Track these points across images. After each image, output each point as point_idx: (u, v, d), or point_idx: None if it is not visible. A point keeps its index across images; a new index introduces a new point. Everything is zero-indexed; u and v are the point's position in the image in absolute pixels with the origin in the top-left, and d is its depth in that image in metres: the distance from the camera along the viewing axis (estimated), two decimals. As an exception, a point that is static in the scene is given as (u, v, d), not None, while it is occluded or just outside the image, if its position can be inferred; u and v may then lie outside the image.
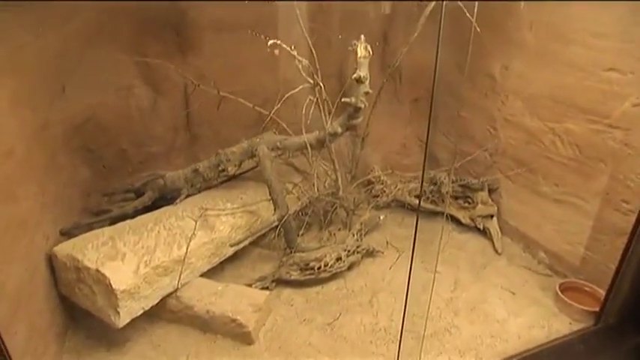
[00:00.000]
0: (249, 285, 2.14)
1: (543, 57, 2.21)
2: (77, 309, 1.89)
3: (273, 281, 2.22)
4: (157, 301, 1.89)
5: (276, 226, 2.25)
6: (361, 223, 2.51)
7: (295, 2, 2.21)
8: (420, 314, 1.87)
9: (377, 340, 1.94)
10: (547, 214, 2.33)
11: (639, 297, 1.81)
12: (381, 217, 2.70)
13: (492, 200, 2.64)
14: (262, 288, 2.15)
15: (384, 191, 2.82)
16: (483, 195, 2.63)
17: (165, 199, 2.41)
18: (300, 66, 2.13)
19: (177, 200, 2.30)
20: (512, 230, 2.57)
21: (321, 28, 2.62)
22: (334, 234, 2.61)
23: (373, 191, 2.88)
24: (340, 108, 2.36)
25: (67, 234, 2.04)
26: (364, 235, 2.52)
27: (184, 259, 1.94)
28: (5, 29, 1.64)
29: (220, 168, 2.37)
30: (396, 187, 2.82)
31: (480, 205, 2.62)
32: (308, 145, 2.31)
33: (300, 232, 2.49)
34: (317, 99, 2.27)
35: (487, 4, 2.18)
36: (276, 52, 2.21)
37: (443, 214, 2.59)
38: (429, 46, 2.28)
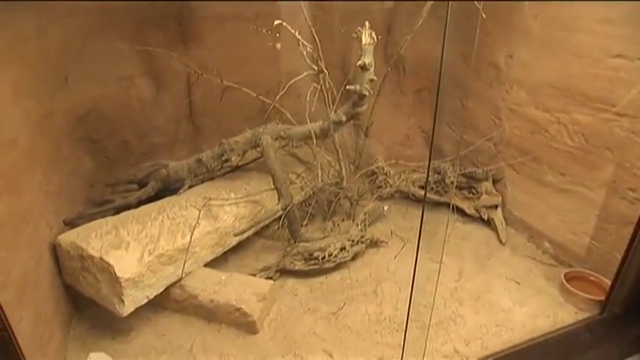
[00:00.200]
0: (253, 275, 2.14)
1: (549, 45, 2.19)
2: (82, 298, 1.90)
3: (277, 271, 2.22)
4: (161, 290, 1.89)
5: (280, 217, 2.24)
6: (365, 214, 2.50)
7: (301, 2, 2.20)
8: (424, 303, 1.86)
9: (382, 329, 1.93)
10: (552, 203, 2.32)
11: (646, 286, 1.81)
12: (385, 208, 2.69)
13: (497, 191, 2.63)
14: (266, 278, 2.15)
15: (388, 182, 2.81)
16: (488, 185, 2.62)
17: (168, 189, 2.40)
18: (304, 52, 2.11)
19: (181, 190, 2.29)
20: (517, 220, 2.56)
21: (324, 16, 2.60)
22: (338, 224, 2.60)
23: (377, 182, 2.87)
24: (344, 98, 2.35)
25: (70, 224, 2.04)
26: (368, 226, 2.51)
27: (188, 247, 1.94)
28: (8, 20, 1.63)
29: (224, 158, 2.37)
30: (399, 177, 2.81)
31: (484, 196, 2.61)
32: (313, 134, 2.29)
33: (304, 223, 2.48)
34: (321, 86, 2.25)
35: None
36: (278, 46, 2.19)
37: (447, 204, 2.58)
38: (432, 37, 2.28)
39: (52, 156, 2.00)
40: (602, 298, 1.92)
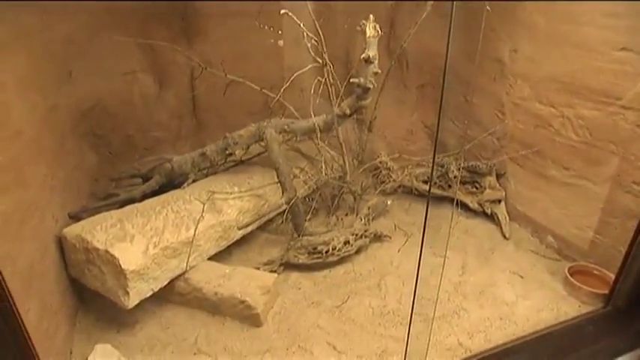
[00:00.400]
0: (257, 268, 2.14)
1: (553, 38, 2.18)
2: (87, 292, 1.91)
3: (280, 265, 2.22)
4: (165, 283, 1.90)
5: (284, 211, 2.25)
6: (369, 208, 2.50)
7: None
8: (428, 297, 1.86)
9: (385, 322, 1.94)
10: (555, 198, 2.31)
11: (650, 279, 1.80)
12: (388, 202, 2.70)
13: (500, 185, 2.63)
14: (270, 271, 2.15)
15: (391, 176, 2.81)
16: (491, 180, 2.62)
17: (172, 184, 2.41)
18: (308, 45, 2.10)
19: (185, 184, 2.30)
20: (520, 215, 2.56)
21: (327, 12, 2.60)
22: (342, 219, 2.60)
23: (380, 177, 2.87)
24: (347, 92, 2.34)
25: (75, 217, 2.04)
26: (372, 220, 2.52)
27: (193, 239, 1.95)
28: (14, 15, 1.63)
29: (228, 152, 2.37)
30: (403, 172, 2.81)
31: (487, 190, 2.61)
32: (317, 128, 2.29)
33: (308, 217, 2.48)
34: (325, 79, 2.24)
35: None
36: (281, 42, 2.19)
37: (450, 199, 2.58)
38: (435, 32, 2.27)
39: (57, 150, 2.01)
40: (606, 291, 1.92)
